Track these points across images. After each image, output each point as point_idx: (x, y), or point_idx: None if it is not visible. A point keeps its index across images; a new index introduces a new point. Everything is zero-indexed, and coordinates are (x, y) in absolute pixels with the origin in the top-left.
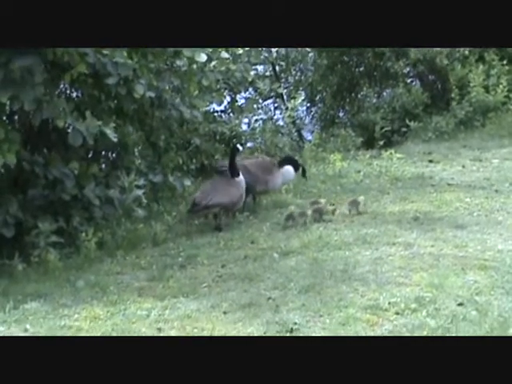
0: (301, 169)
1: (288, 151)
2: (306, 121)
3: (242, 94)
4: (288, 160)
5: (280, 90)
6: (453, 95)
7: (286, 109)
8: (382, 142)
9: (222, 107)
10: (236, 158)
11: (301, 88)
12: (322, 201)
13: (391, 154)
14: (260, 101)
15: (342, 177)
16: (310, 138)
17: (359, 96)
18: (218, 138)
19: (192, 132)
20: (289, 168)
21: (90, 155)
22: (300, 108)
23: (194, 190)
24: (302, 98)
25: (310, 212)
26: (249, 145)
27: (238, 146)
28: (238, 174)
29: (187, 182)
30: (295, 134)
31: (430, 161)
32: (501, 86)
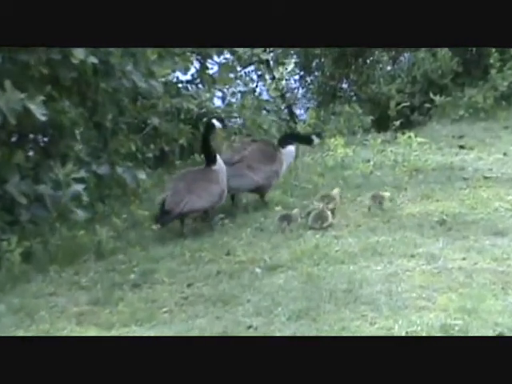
0: (314, 137)
1: (275, 134)
2: (299, 94)
3: (215, 58)
4: (289, 138)
5: (264, 55)
6: (491, 61)
7: (273, 79)
8: (398, 123)
9: (188, 76)
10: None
11: (292, 52)
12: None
13: (410, 137)
14: (238, 68)
15: (346, 168)
16: (303, 116)
17: (368, 62)
18: (182, 116)
19: (148, 109)
20: (291, 149)
21: (12, 139)
22: (291, 78)
23: (150, 186)
24: (293, 64)
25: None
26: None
27: (215, 121)
28: (215, 160)
29: (142, 175)
30: (284, 111)
31: (461, 146)
32: None
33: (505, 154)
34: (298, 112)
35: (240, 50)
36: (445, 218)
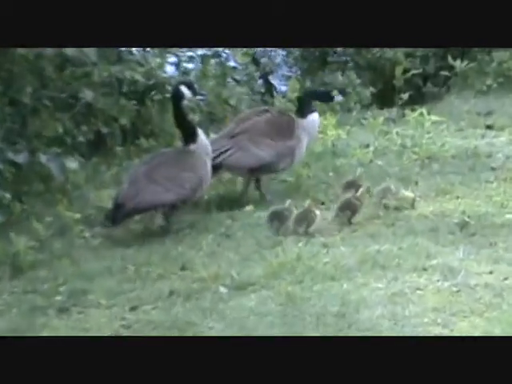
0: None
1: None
2: (278, 59)
3: None
4: (308, 99)
5: None
6: None
7: None
8: (406, 96)
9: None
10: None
11: None
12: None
13: (422, 115)
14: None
15: (338, 155)
16: (284, 88)
17: None
18: (124, 89)
19: (80, 79)
20: (314, 118)
21: None
22: None
23: (83, 180)
24: None
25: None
26: None
27: (183, 87)
28: (195, 137)
29: (72, 164)
30: (259, 81)
31: (489, 126)
32: None
33: None
34: (276, 82)
35: None
36: (467, 219)
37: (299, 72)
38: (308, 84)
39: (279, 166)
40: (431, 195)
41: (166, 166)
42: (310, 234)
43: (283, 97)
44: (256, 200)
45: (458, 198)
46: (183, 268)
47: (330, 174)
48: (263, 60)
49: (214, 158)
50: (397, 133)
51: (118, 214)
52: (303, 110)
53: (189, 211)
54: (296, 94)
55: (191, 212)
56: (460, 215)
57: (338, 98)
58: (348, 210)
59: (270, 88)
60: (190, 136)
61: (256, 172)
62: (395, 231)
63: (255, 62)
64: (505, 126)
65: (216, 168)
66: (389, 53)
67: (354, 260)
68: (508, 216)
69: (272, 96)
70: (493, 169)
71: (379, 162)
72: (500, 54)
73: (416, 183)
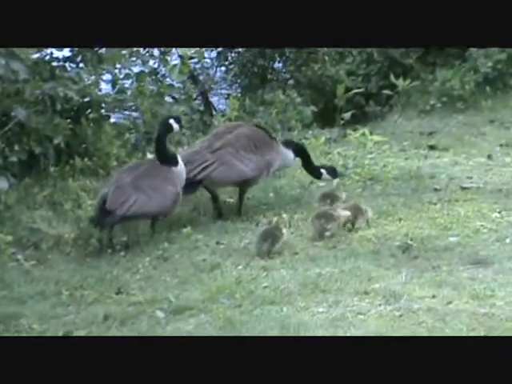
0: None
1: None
2: (217, 75)
3: None
4: (295, 148)
5: None
6: None
7: (181, 56)
8: (348, 115)
9: (64, 52)
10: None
11: None
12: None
13: (364, 135)
14: None
15: (278, 176)
16: (223, 106)
17: None
18: (58, 107)
19: (12, 97)
20: (288, 151)
21: None
22: (205, 55)
23: (14, 201)
24: None
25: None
26: (113, 119)
27: (172, 122)
28: (176, 164)
29: (3, 184)
30: (197, 99)
31: (432, 147)
32: None
33: (489, 157)
34: (215, 101)
35: None
36: (409, 242)
37: (239, 90)
38: (247, 102)
39: (258, 180)
40: (373, 217)
41: (152, 177)
42: (272, 254)
43: (223, 115)
44: (193, 222)
45: (400, 220)
46: (119, 292)
47: (271, 194)
48: (202, 77)
49: (197, 173)
50: (338, 153)
51: (106, 220)
52: (287, 144)
53: (124, 233)
54: (236, 113)
55: (127, 234)
56: (402, 238)
57: (327, 177)
58: (269, 240)
59: (209, 106)
60: (171, 163)
61: (237, 185)
62: (336, 254)
63: (194, 79)
64: (448, 147)
65: (197, 182)
66: (330, 70)
67: (295, 283)
68: (451, 239)
69: (211, 115)
70: (436, 190)
71: (320, 184)
72: (444, 73)
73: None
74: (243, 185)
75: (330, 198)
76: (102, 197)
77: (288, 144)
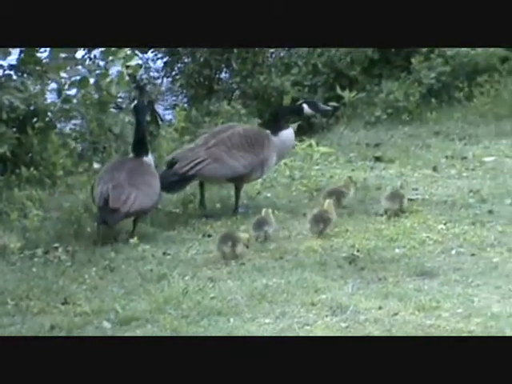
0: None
1: (129, 140)
2: (163, 86)
3: None
4: (280, 117)
5: None
6: None
7: (127, 67)
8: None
9: (10, 59)
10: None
11: None
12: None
13: (310, 146)
14: (80, 51)
15: (225, 186)
16: (169, 116)
17: None
18: (4, 116)
19: None
20: (286, 134)
21: None
22: (151, 64)
23: None
24: None
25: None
26: (59, 128)
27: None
28: (147, 151)
29: None
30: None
31: (378, 158)
32: None
33: (434, 169)
34: (161, 111)
35: None
36: (356, 253)
37: (185, 100)
38: (194, 112)
39: (251, 177)
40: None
41: (142, 173)
42: (238, 255)
43: (169, 125)
44: (140, 232)
45: (347, 231)
46: (65, 302)
47: (218, 205)
48: (148, 87)
49: (189, 169)
50: (285, 164)
51: (113, 218)
52: (275, 127)
53: (71, 243)
54: (182, 124)
55: (74, 244)
56: (349, 249)
57: (308, 111)
58: (321, 223)
59: (155, 116)
60: (144, 148)
61: (231, 182)
62: (283, 265)
63: (140, 89)
64: (394, 158)
65: (189, 178)
66: (276, 81)
67: (242, 294)
68: (397, 250)
69: (158, 125)
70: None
71: (267, 194)
72: (389, 85)
73: (304, 215)
74: (237, 181)
75: (335, 194)
76: (102, 196)
77: (275, 129)
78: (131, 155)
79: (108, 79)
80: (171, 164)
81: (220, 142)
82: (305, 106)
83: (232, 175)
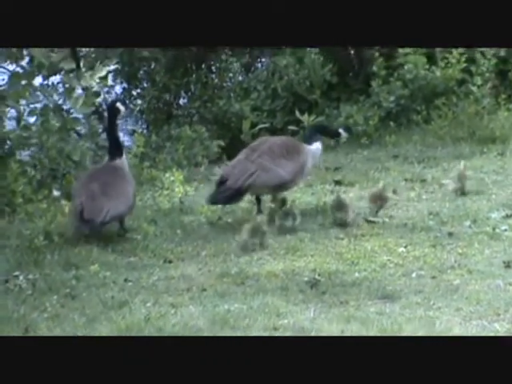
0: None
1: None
2: (122, 111)
3: (5, 65)
4: (315, 132)
5: (69, 64)
6: (375, 69)
7: (85, 89)
8: None
9: None
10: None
11: (109, 54)
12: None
13: None
14: (39, 78)
15: (186, 212)
16: (128, 142)
17: (214, 70)
18: None
19: None
20: (318, 146)
21: None
22: (109, 89)
23: None
24: (113, 71)
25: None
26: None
27: (119, 104)
28: (121, 153)
29: None
30: (102, 135)
31: (338, 182)
32: (455, 53)
33: (394, 192)
34: (120, 137)
35: (42, 58)
36: (317, 277)
37: (144, 125)
38: (154, 138)
39: (293, 184)
40: (281, 253)
41: (114, 181)
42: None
43: (128, 152)
44: (101, 259)
45: (307, 255)
46: (26, 331)
47: (178, 231)
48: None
49: (243, 182)
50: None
51: (89, 230)
52: (309, 139)
53: (32, 271)
54: (141, 149)
55: (34, 272)
56: (310, 273)
57: (344, 134)
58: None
59: None
60: (118, 150)
61: (277, 190)
62: (245, 290)
63: (99, 114)
64: (354, 182)
65: (244, 191)
66: (235, 106)
67: (204, 320)
68: (358, 274)
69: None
70: (342, 225)
71: (228, 220)
72: (348, 109)
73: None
74: (281, 189)
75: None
76: (78, 208)
77: (309, 140)
78: (106, 158)
79: (72, 99)
80: (221, 182)
81: (263, 153)
82: (341, 131)
83: (280, 183)
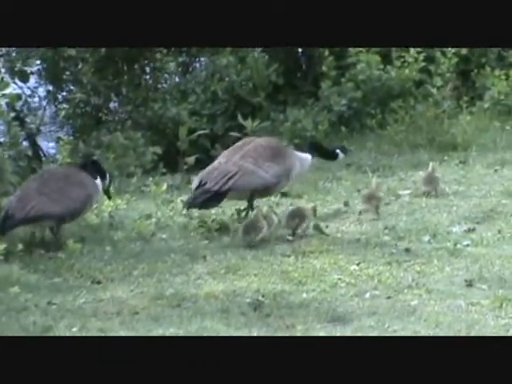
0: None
1: (11, 179)
2: (46, 117)
3: None
4: (309, 148)
5: None
6: (324, 69)
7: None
8: (192, 159)
9: None
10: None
11: (33, 54)
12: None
13: None
14: None
15: (116, 228)
16: (53, 150)
17: (148, 70)
18: None
19: None
20: (307, 157)
21: None
22: (33, 92)
23: None
24: (37, 72)
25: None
26: None
27: None
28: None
29: None
30: (24, 143)
31: (284, 194)
32: (413, 51)
33: (346, 204)
34: (44, 144)
35: None
36: (261, 299)
37: (71, 131)
38: (81, 145)
39: (277, 188)
40: (221, 272)
41: (55, 180)
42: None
43: (52, 161)
44: (22, 280)
45: (249, 275)
46: None
47: (107, 248)
48: (29, 119)
49: (223, 184)
50: (182, 201)
51: (6, 224)
52: (301, 148)
53: None
54: (68, 159)
55: None
56: (253, 294)
57: (341, 155)
58: (297, 218)
59: (37, 151)
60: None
61: (259, 194)
62: (181, 313)
63: (20, 120)
64: (302, 193)
65: (223, 193)
66: (171, 111)
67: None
68: (305, 295)
69: (40, 160)
70: (289, 241)
71: (163, 236)
72: (295, 113)
73: (204, 258)
74: (264, 192)
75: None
76: (7, 205)
77: (301, 147)
78: None
79: None
80: (199, 186)
81: (246, 154)
82: (338, 151)
83: (263, 185)
